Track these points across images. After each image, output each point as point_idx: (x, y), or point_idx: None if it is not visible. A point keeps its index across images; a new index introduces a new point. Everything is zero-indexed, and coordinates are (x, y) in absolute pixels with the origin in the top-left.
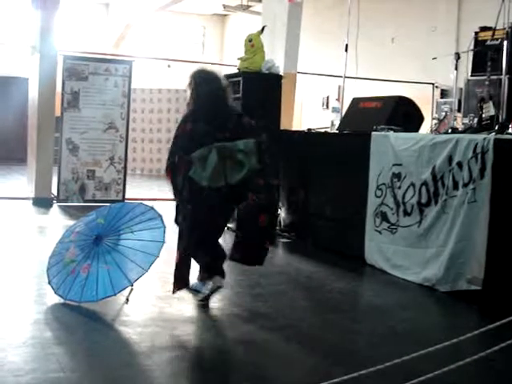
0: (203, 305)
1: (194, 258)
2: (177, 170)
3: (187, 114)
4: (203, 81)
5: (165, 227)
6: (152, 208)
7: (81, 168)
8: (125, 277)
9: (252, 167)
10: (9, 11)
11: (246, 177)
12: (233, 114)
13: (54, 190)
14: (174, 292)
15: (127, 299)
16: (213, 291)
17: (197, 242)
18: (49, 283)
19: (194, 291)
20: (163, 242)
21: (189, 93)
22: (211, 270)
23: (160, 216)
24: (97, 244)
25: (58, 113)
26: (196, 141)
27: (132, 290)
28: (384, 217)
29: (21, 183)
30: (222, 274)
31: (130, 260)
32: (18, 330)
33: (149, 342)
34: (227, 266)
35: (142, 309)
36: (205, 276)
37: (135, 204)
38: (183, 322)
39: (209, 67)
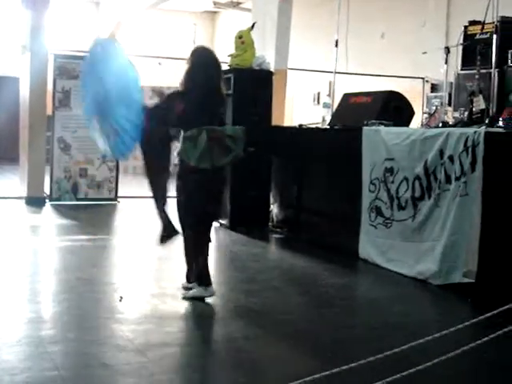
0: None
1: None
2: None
3: (182, 92)
4: (200, 64)
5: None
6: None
7: (73, 167)
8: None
9: (238, 154)
10: None
11: (230, 161)
12: (224, 100)
13: (47, 189)
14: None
15: (121, 297)
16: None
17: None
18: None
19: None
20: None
21: (187, 66)
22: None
23: None
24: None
25: (49, 112)
26: (185, 123)
27: (122, 298)
28: (379, 211)
29: (13, 183)
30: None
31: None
32: (12, 328)
33: (143, 339)
34: (222, 262)
35: (136, 306)
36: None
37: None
38: (177, 319)
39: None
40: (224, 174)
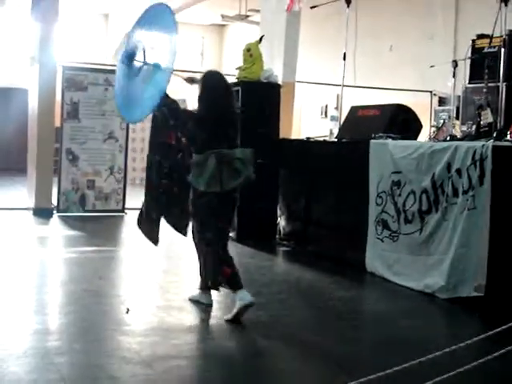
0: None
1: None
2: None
3: (197, 112)
4: (211, 88)
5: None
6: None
7: (81, 178)
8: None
9: (248, 176)
10: (8, 22)
11: (241, 184)
12: (236, 122)
13: (54, 201)
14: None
15: (128, 309)
16: (241, 310)
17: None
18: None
19: (196, 302)
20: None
21: (199, 91)
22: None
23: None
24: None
25: (57, 123)
26: (196, 143)
27: (128, 310)
28: (385, 225)
29: (22, 194)
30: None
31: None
32: (19, 340)
33: (149, 352)
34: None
35: (143, 318)
36: (203, 285)
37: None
38: (183, 332)
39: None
40: (235, 195)
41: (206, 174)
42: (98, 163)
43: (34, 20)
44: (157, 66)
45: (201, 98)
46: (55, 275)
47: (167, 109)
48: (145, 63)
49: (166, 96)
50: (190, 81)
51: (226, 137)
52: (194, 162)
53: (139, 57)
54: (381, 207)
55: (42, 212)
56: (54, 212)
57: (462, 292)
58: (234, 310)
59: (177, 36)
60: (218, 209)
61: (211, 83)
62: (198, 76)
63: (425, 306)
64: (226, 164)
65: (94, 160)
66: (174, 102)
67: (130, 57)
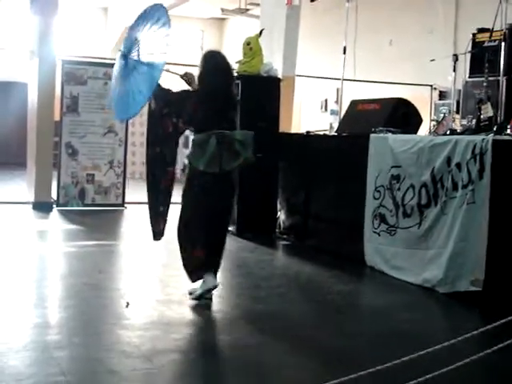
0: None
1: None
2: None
3: (195, 92)
4: (212, 67)
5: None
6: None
7: (80, 172)
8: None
9: (248, 159)
10: (8, 16)
11: (240, 165)
12: (235, 104)
13: (54, 195)
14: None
15: (127, 303)
16: (205, 292)
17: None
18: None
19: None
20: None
21: (198, 70)
22: (205, 267)
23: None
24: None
25: (57, 117)
26: (196, 124)
27: (128, 304)
28: (382, 218)
29: (21, 188)
30: (215, 271)
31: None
32: (19, 334)
33: (149, 345)
34: (229, 268)
35: (143, 312)
36: (195, 277)
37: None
38: (183, 325)
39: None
40: (232, 177)
41: (207, 153)
42: (97, 157)
43: (34, 14)
44: (150, 64)
45: (201, 78)
46: (55, 269)
47: (157, 96)
48: (138, 60)
49: (158, 86)
50: (187, 80)
51: (226, 118)
52: (195, 141)
53: (133, 54)
54: (378, 201)
55: (42, 206)
56: (54, 206)
57: (460, 286)
58: (197, 292)
59: (169, 30)
60: (214, 189)
61: (211, 63)
62: (195, 74)
63: (424, 300)
64: (227, 145)
65: (93, 154)
66: (164, 89)
67: (125, 55)
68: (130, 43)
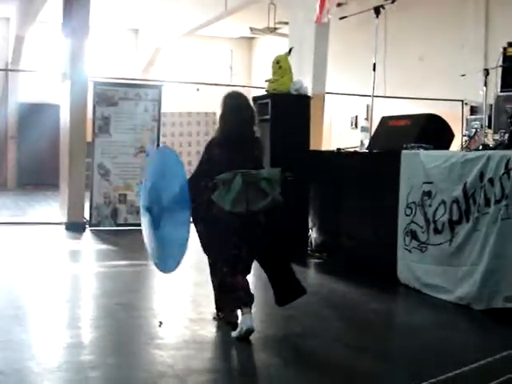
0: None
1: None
2: (199, 193)
3: (215, 138)
4: (232, 108)
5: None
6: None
7: (112, 192)
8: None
9: (275, 198)
10: (40, 39)
11: (268, 206)
12: (259, 143)
13: (87, 215)
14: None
15: (160, 322)
16: (243, 335)
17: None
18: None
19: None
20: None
21: (218, 115)
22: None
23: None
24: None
25: (89, 138)
26: (220, 166)
27: (161, 323)
28: (414, 235)
29: (54, 209)
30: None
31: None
32: (53, 354)
33: (183, 365)
34: (261, 287)
35: (176, 331)
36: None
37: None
38: (217, 345)
39: (239, 90)
40: (259, 218)
41: (233, 192)
42: (129, 177)
43: (65, 36)
44: (174, 211)
45: (220, 120)
46: (88, 289)
47: (193, 196)
48: (161, 211)
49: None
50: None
51: (251, 158)
52: (221, 179)
53: (156, 207)
54: (410, 217)
55: (75, 226)
56: (87, 226)
57: (496, 303)
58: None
59: (185, 180)
60: (240, 230)
61: (229, 105)
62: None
63: (459, 317)
64: (252, 184)
65: (125, 174)
66: (191, 183)
67: (149, 208)
68: (150, 194)
